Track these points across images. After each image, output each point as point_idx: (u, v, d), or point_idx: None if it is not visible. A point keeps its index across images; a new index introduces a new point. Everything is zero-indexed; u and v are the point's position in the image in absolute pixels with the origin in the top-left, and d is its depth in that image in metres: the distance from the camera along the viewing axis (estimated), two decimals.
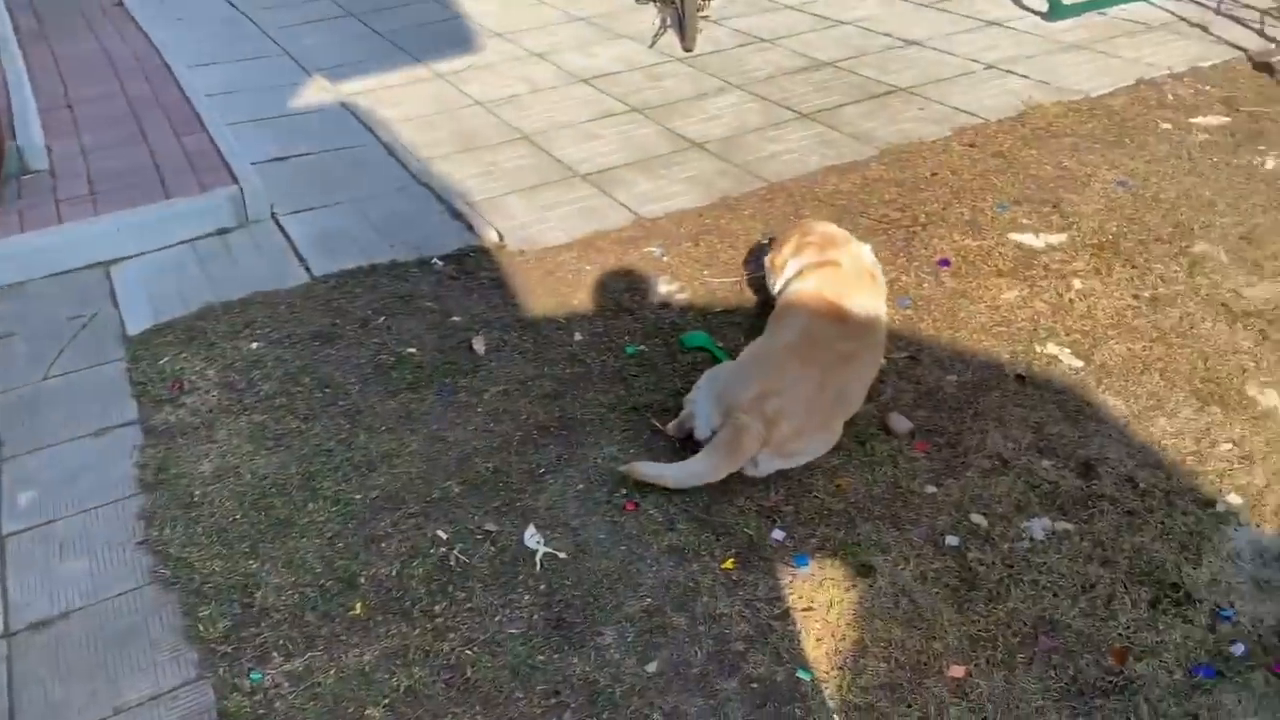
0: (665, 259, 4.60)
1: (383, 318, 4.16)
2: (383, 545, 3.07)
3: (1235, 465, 3.25)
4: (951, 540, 3.01)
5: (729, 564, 2.95)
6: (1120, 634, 2.70)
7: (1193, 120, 5.74)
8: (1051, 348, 3.85)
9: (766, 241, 4.68)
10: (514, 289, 4.38)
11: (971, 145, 5.55)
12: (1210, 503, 3.11)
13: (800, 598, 2.85)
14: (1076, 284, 4.25)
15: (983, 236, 4.64)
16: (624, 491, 3.21)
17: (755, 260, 4.47)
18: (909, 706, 2.55)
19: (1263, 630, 2.70)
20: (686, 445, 3.36)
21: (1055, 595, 2.82)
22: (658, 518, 3.12)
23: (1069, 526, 3.04)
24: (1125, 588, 2.83)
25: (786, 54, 7.06)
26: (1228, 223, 4.68)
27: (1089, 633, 2.70)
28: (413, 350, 3.95)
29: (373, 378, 3.80)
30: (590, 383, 3.76)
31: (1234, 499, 3.12)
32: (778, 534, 3.05)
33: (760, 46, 7.26)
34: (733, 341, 3.98)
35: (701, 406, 3.30)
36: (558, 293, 4.34)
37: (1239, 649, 2.64)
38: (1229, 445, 3.33)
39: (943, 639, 2.71)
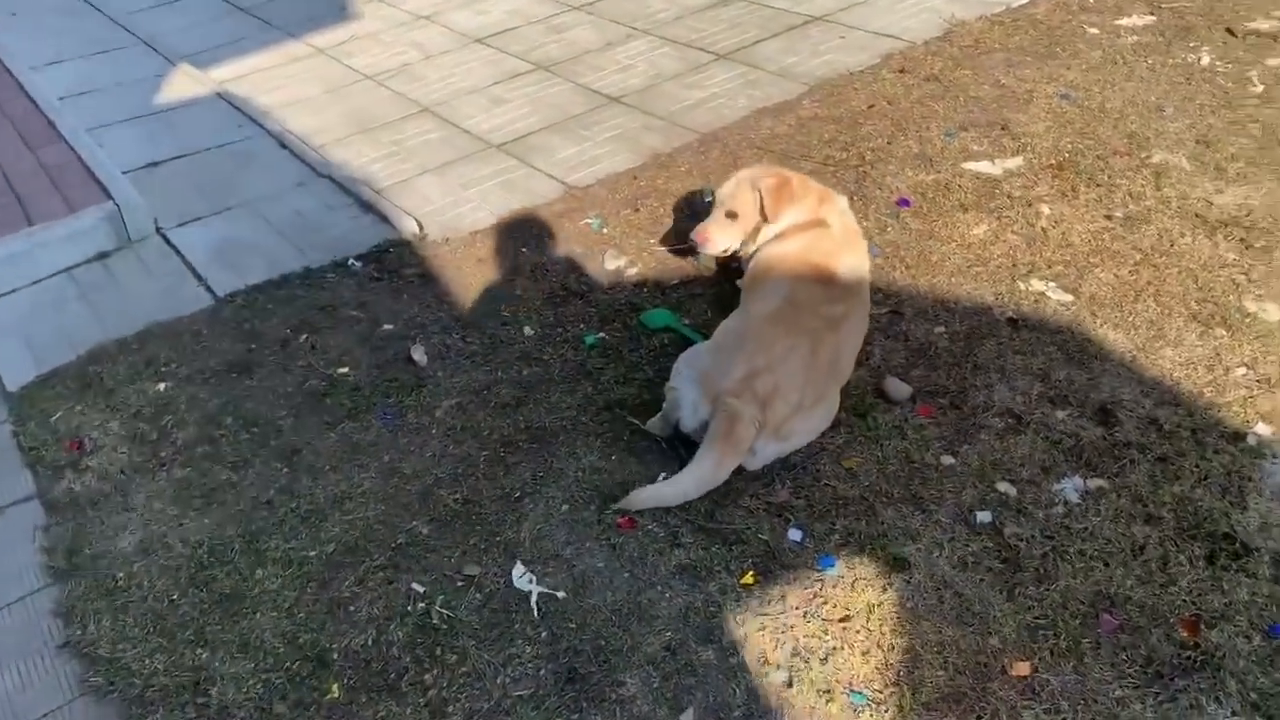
0: (606, 230, 4.21)
1: (305, 336, 3.68)
2: (351, 609, 2.67)
3: (1255, 391, 3.06)
4: (983, 516, 2.75)
5: (749, 578, 2.64)
6: (1184, 600, 2.48)
7: (1118, 22, 5.55)
8: (1036, 284, 3.61)
9: (709, 198, 4.33)
10: (446, 284, 3.95)
11: (902, 71, 5.25)
12: (1240, 436, 2.91)
13: (834, 606, 2.55)
14: (1045, 210, 4.01)
15: (936, 169, 4.36)
16: (615, 507, 2.85)
17: (691, 219, 4.11)
18: (979, 718, 2.28)
19: None
20: (677, 441, 3.02)
21: (1106, 565, 2.58)
22: (659, 533, 2.78)
23: (1102, 483, 2.81)
24: (1176, 545, 2.61)
25: None
26: (1180, 127, 4.49)
27: (1151, 603, 2.48)
28: (345, 370, 3.51)
29: (306, 408, 3.35)
30: (552, 383, 3.37)
31: (1263, 429, 2.93)
32: (795, 534, 2.75)
33: None
34: (698, 316, 3.64)
35: (685, 394, 2.95)
36: (495, 283, 3.92)
37: None
38: (1243, 369, 3.14)
39: (999, 633, 2.45)
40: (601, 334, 3.59)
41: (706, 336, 3.40)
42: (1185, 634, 2.39)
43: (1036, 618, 2.47)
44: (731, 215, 3.38)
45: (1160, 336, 3.30)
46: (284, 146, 5.08)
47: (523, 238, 4.18)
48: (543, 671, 2.47)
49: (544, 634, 2.55)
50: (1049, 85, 4.93)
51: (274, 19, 6.92)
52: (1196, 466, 2.82)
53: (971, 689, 2.34)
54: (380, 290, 3.93)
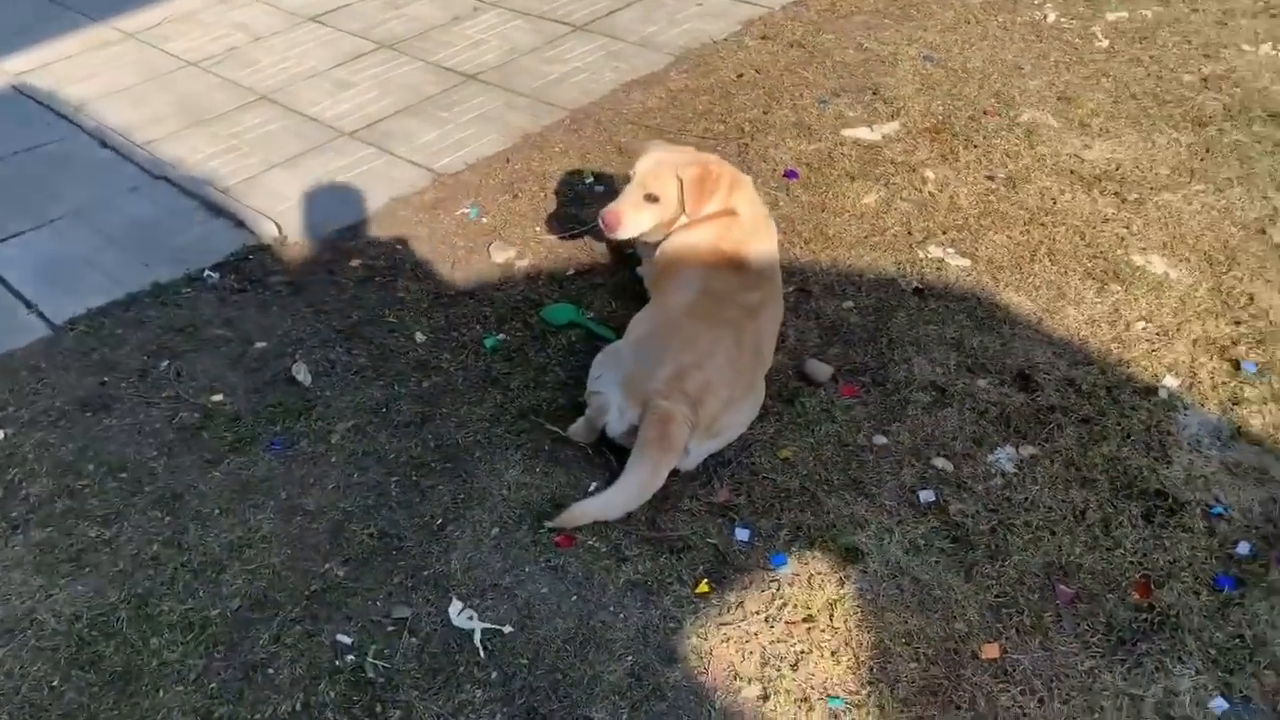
0: (485, 220, 3.96)
1: (166, 362, 3.29)
2: (270, 672, 2.38)
3: (1157, 343, 3.15)
4: (926, 495, 2.71)
5: (703, 587, 2.51)
6: (1132, 562, 2.51)
7: None
8: (934, 250, 3.61)
9: (589, 179, 4.15)
10: (319, 291, 3.61)
11: (765, 38, 5.18)
12: (1151, 390, 2.99)
13: (795, 608, 2.46)
14: (930, 175, 4.02)
15: (816, 138, 4.31)
16: (550, 525, 2.66)
17: (575, 203, 3.93)
18: (958, 708, 2.24)
19: (1255, 520, 2.60)
20: (604, 446, 2.85)
21: (1053, 533, 2.59)
22: (601, 549, 2.62)
23: (1034, 450, 2.82)
24: (1115, 507, 2.65)
25: None
26: (1040, 85, 4.61)
27: (1102, 569, 2.50)
28: (220, 398, 3.15)
29: (180, 446, 2.98)
30: (457, 394, 3.13)
31: (1170, 381, 3.01)
32: (742, 533, 2.63)
33: None
34: (601, 308, 3.46)
35: (610, 398, 2.78)
36: (374, 285, 3.62)
37: (1244, 548, 2.52)
38: (1142, 323, 3.23)
39: (963, 616, 2.42)
40: (501, 335, 3.36)
41: (615, 331, 3.24)
42: (1139, 597, 2.42)
43: (997, 596, 2.45)
44: (651, 199, 3.16)
45: (1061, 296, 3.35)
46: (106, 145, 4.54)
47: (397, 233, 3.88)
48: (499, 716, 2.27)
49: (494, 674, 2.35)
50: (910, 47, 4.97)
51: (68, 1, 6.20)
52: (1118, 425, 2.87)
53: (946, 678, 2.29)
54: (246, 304, 3.55)
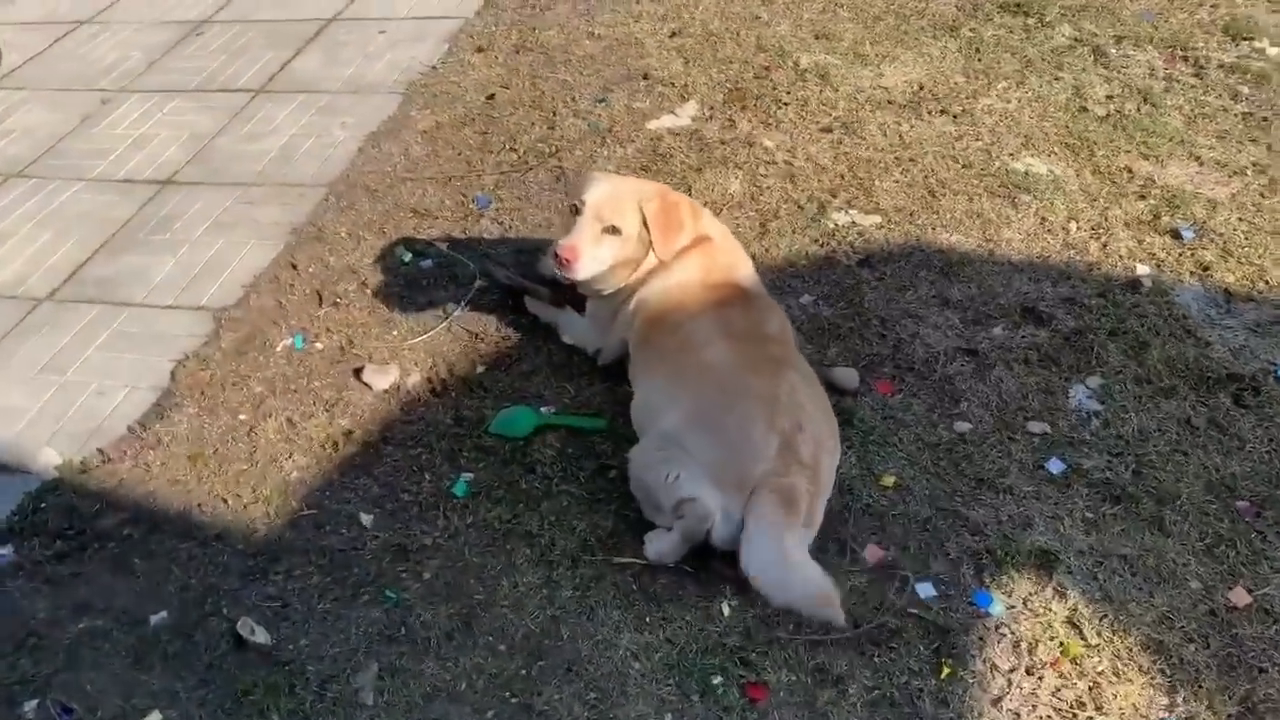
0: (320, 345, 3.12)
1: (33, 702, 2.18)
2: None
3: (1102, 238, 3.19)
4: (1055, 466, 2.51)
5: (946, 670, 2.10)
6: (1267, 450, 2.48)
7: None
8: (840, 218, 3.40)
9: (408, 257, 3.43)
10: (186, 514, 2.61)
11: (482, 50, 4.63)
12: (1135, 283, 3.02)
13: (1044, 645, 2.14)
14: (768, 143, 3.80)
15: (626, 139, 3.91)
16: (743, 672, 2.10)
17: (420, 291, 3.24)
18: (1263, 671, 2.07)
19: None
20: (714, 558, 2.32)
21: (1186, 454, 2.52)
22: (806, 681, 2.11)
23: (1099, 379, 2.72)
24: (1207, 405, 2.64)
25: (138, 29, 5.18)
26: (789, 29, 4.54)
27: (1250, 469, 2.45)
28: None
29: None
30: (476, 570, 2.40)
31: (1143, 269, 3.06)
32: (926, 589, 2.26)
33: (77, 33, 5.22)
34: (557, 395, 2.85)
35: (708, 500, 2.25)
36: (250, 480, 2.69)
37: None
38: (1074, 224, 3.26)
39: (1190, 573, 2.26)
40: (466, 475, 2.64)
41: (595, 413, 2.67)
42: None
43: (1199, 539, 2.31)
44: (611, 230, 2.59)
45: (987, 223, 3.29)
46: None
47: (222, 400, 2.92)
48: None
49: None
50: (642, 24, 4.68)
51: None
52: (1142, 326, 2.85)
53: (1230, 646, 2.12)
54: (86, 569, 2.47)
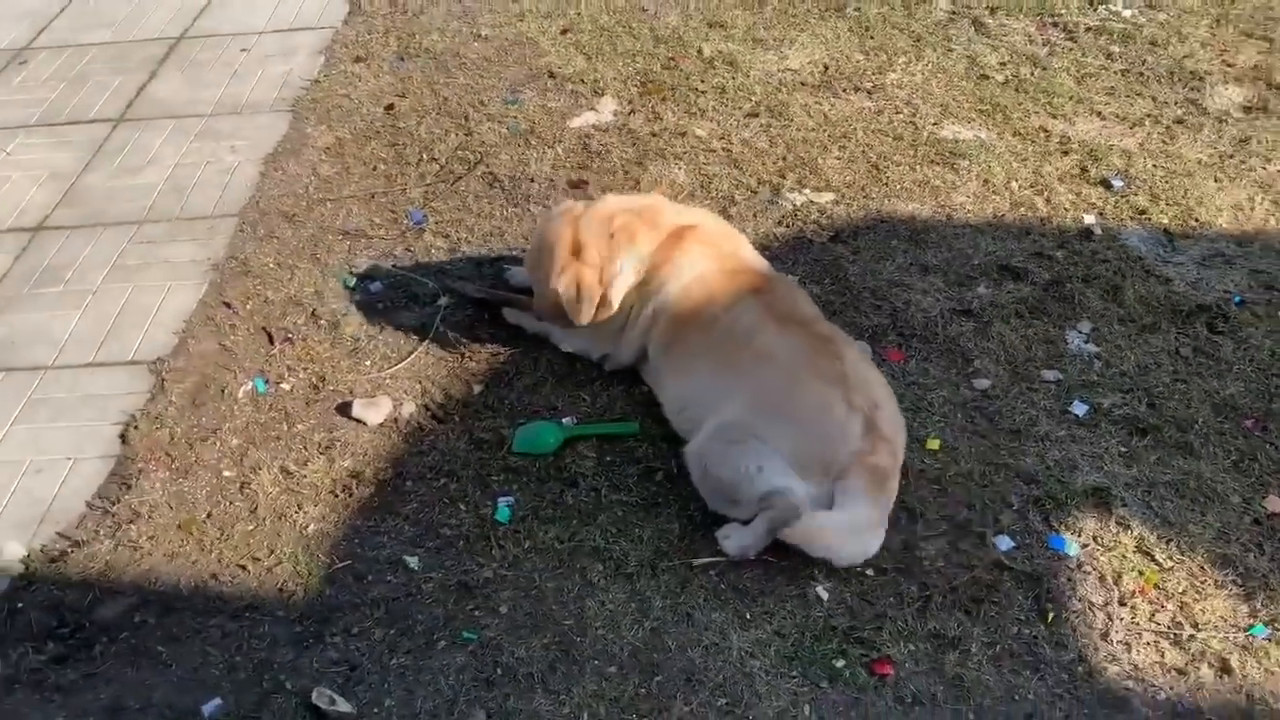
0: (287, 386, 2.87)
1: None
2: None
3: (1044, 192, 3.38)
4: (1078, 409, 2.64)
5: (1048, 617, 2.17)
6: (1250, 369, 2.71)
7: None
8: (796, 198, 3.44)
9: (353, 281, 3.21)
10: (194, 583, 2.33)
11: (360, 60, 4.38)
12: (1088, 232, 3.22)
13: (1126, 576, 2.26)
14: (700, 132, 3.79)
15: (552, 140, 3.81)
16: (862, 651, 2.09)
17: (379, 316, 3.05)
18: None
19: (1260, 292, 2.96)
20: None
21: (1186, 382, 2.71)
22: (926, 649, 2.12)
23: (1087, 324, 2.89)
24: (1188, 334, 2.85)
25: None
26: (679, 19, 4.54)
27: (1242, 388, 2.67)
28: None
29: None
30: (551, 599, 2.27)
31: (1090, 219, 3.26)
32: (1006, 543, 2.32)
33: None
34: (574, 405, 2.75)
35: (795, 489, 2.22)
36: (242, 538, 2.43)
37: None
38: (1014, 184, 3.44)
39: (1230, 489, 2.44)
40: (506, 499, 2.49)
41: (622, 418, 2.60)
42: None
43: (1225, 455, 2.49)
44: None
45: (936, 190, 3.42)
46: None
47: (194, 461, 2.64)
48: None
49: None
50: (527, 23, 4.56)
51: None
52: (1109, 271, 3.04)
53: (1278, 546, 2.29)
54: (105, 665, 2.15)
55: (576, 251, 2.59)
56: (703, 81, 4.05)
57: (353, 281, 3.21)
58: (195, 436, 2.69)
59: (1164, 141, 3.59)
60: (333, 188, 3.61)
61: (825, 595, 2.22)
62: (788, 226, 3.28)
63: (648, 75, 4.11)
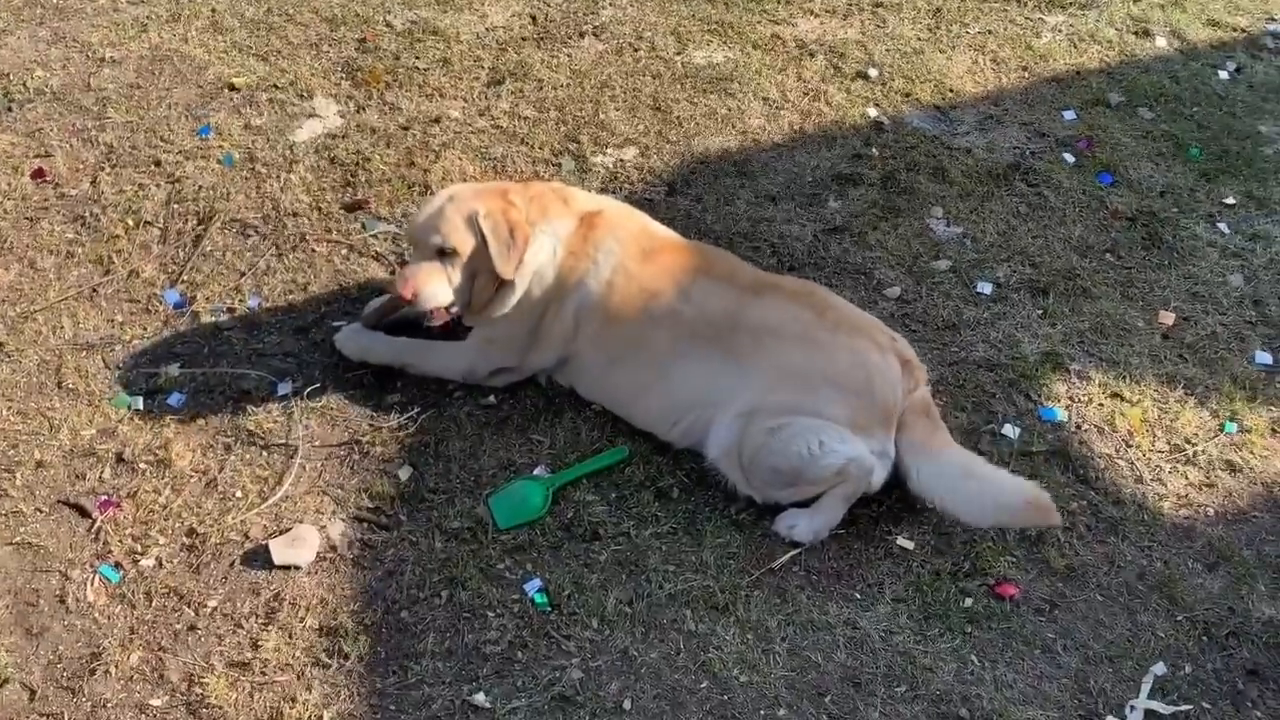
0: (145, 562, 2.21)
1: None
2: None
3: (820, 99, 3.46)
4: (986, 288, 2.78)
5: (1092, 477, 2.31)
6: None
7: None
8: (603, 159, 3.21)
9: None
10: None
11: None
12: (879, 126, 3.36)
13: (1121, 425, 2.45)
14: (453, 114, 3.39)
15: (283, 166, 3.19)
16: (980, 582, 2.08)
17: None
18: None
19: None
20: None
21: (1041, 235, 2.94)
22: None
23: (941, 208, 3.04)
24: (1011, 193, 3.08)
25: None
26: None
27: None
28: None
29: None
30: (654, 664, 1.99)
31: (872, 111, 3.41)
32: (1009, 430, 2.42)
33: None
34: (533, 453, 2.38)
35: (863, 456, 2.11)
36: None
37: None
38: (791, 95, 3.47)
39: (1158, 346, 2.71)
40: (531, 585, 2.12)
41: (606, 447, 2.34)
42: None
43: (1113, 289, 2.77)
44: (448, 253, 2.25)
45: (728, 119, 3.37)
46: None
47: (101, 701, 1.94)
48: None
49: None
50: (156, 33, 3.74)
51: None
52: (921, 155, 3.21)
53: (1198, 354, 2.62)
54: None
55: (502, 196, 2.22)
56: (417, 58, 3.59)
57: (139, 403, 2.48)
58: (65, 678, 1.95)
59: (878, 26, 3.82)
60: (28, 296, 2.74)
61: (911, 545, 2.16)
62: (615, 191, 3.05)
63: (350, 63, 3.56)
